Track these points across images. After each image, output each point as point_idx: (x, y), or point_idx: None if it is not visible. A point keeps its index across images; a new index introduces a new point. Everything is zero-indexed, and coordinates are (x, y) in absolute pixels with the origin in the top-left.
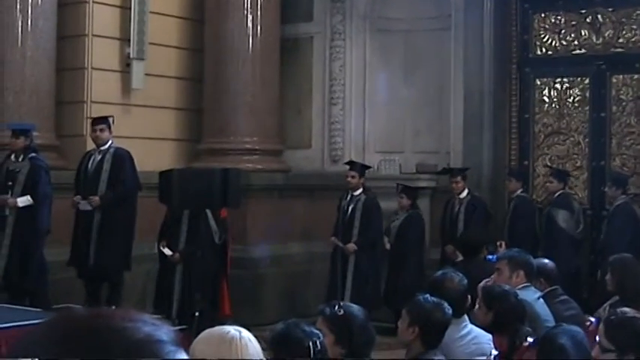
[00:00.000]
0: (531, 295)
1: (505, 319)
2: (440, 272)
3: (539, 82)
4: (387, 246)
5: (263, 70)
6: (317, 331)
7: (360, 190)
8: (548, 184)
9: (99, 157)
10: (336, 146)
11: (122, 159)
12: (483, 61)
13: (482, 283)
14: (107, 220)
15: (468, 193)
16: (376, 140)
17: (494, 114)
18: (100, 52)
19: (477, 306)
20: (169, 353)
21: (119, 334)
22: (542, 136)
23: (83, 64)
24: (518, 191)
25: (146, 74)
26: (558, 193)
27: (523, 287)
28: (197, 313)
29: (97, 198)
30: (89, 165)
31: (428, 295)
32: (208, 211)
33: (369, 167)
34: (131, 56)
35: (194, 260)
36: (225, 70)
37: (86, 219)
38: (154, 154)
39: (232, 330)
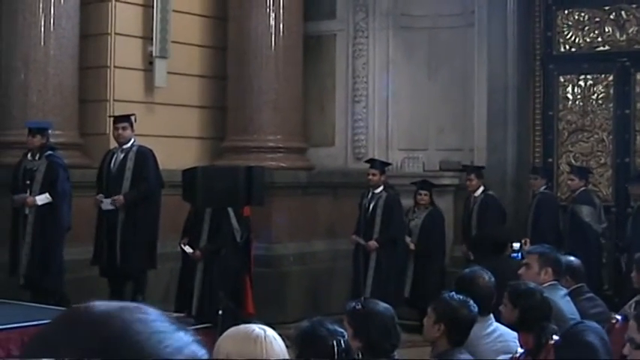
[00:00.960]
0: (558, 292)
1: (531, 316)
2: (468, 270)
3: (562, 79)
4: (412, 246)
5: (286, 67)
6: (341, 330)
7: (381, 188)
8: (569, 181)
9: (121, 155)
10: (359, 144)
11: (145, 157)
12: (507, 58)
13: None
14: (131, 219)
15: (482, 192)
16: (399, 137)
17: (518, 111)
18: (123, 51)
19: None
20: (195, 352)
21: (139, 344)
22: (566, 134)
23: (106, 62)
24: (542, 188)
25: (169, 72)
26: (580, 190)
27: (550, 285)
28: (220, 312)
29: (121, 197)
30: (112, 163)
31: (454, 293)
32: (230, 210)
33: (389, 164)
34: (154, 54)
35: (216, 258)
36: (249, 67)
37: (110, 218)
38: (178, 152)
39: (257, 328)
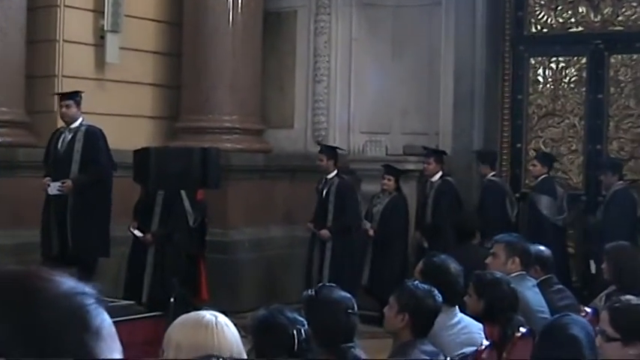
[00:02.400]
0: (526, 283)
1: (497, 307)
2: (435, 257)
3: (533, 61)
4: (371, 232)
5: (244, 45)
6: (301, 319)
7: (333, 174)
8: (531, 167)
9: (69, 135)
10: (320, 126)
11: (95, 137)
12: (475, 39)
13: None
14: (82, 204)
15: (440, 177)
16: (362, 120)
17: (485, 94)
18: (73, 24)
19: (467, 294)
20: (92, 306)
21: (41, 291)
22: (536, 118)
23: (55, 36)
24: (489, 175)
25: (121, 48)
26: (542, 177)
27: (518, 275)
28: (173, 299)
29: (69, 182)
30: (59, 144)
31: (418, 282)
32: (183, 193)
33: (337, 148)
34: (105, 28)
35: (168, 243)
36: (205, 44)
37: (59, 203)
38: (130, 132)
39: (208, 315)
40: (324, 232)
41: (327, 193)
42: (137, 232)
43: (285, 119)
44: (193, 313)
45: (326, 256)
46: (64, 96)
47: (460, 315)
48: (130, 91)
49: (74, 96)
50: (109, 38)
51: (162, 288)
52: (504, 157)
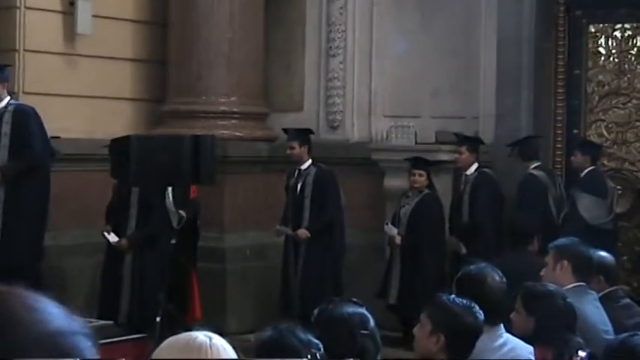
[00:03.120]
0: (586, 297)
1: (550, 326)
2: (473, 267)
3: (593, 29)
4: (398, 240)
5: (243, 12)
6: (317, 341)
7: (308, 163)
8: (572, 157)
9: None
10: (335, 109)
11: (25, 118)
12: (522, 2)
13: None
14: (13, 198)
15: (476, 169)
16: (385, 102)
17: (535, 69)
18: None
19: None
20: (84, 351)
21: (22, 326)
22: (597, 98)
23: (15, 2)
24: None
25: (94, 16)
26: (586, 170)
27: (576, 287)
28: (158, 318)
29: None
30: None
31: (454, 296)
32: (169, 189)
33: (309, 131)
34: None
35: (148, 250)
36: (196, 11)
37: None
38: (106, 117)
39: (201, 336)
40: (302, 232)
41: (302, 186)
42: (112, 237)
43: (292, 101)
44: (183, 334)
45: (299, 263)
46: None
47: (506, 335)
48: (105, 67)
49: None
50: (80, 4)
51: (143, 304)
52: (558, 144)
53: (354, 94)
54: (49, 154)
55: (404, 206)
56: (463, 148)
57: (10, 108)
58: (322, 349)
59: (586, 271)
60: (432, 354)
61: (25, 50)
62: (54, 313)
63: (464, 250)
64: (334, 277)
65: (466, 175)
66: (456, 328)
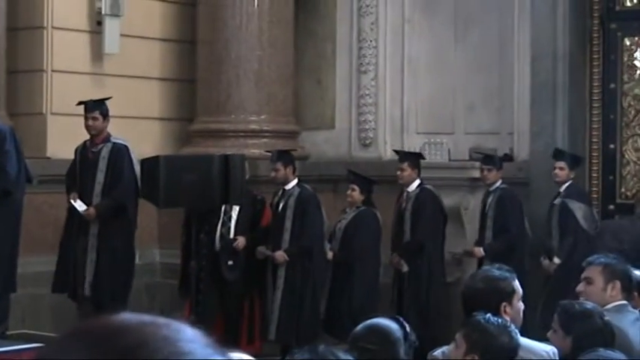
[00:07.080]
0: (627, 316)
1: (588, 346)
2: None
3: (628, 42)
4: (329, 255)
5: (273, 28)
6: None
7: (293, 183)
8: (558, 171)
9: None
10: (367, 126)
11: (1, 136)
12: (556, 15)
13: None
14: None
15: (418, 186)
16: (418, 118)
17: (570, 83)
18: (64, 8)
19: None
20: None
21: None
22: (633, 112)
23: (42, 22)
24: (499, 182)
25: (122, 35)
26: (570, 182)
27: (617, 305)
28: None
29: None
30: None
31: (490, 315)
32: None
33: (290, 151)
34: (103, 12)
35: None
36: (224, 29)
37: None
38: (134, 137)
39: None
40: (280, 255)
41: (283, 207)
42: (79, 205)
43: (324, 118)
44: None
45: (277, 286)
46: None
47: None
48: (133, 87)
49: None
50: (108, 24)
51: (109, 277)
52: (594, 160)
53: (386, 110)
54: (25, 179)
55: (340, 221)
56: (405, 165)
57: None
58: None
59: (631, 289)
60: None
61: (52, 71)
62: (200, 346)
63: (406, 268)
64: (311, 303)
65: (408, 192)
66: (490, 349)
